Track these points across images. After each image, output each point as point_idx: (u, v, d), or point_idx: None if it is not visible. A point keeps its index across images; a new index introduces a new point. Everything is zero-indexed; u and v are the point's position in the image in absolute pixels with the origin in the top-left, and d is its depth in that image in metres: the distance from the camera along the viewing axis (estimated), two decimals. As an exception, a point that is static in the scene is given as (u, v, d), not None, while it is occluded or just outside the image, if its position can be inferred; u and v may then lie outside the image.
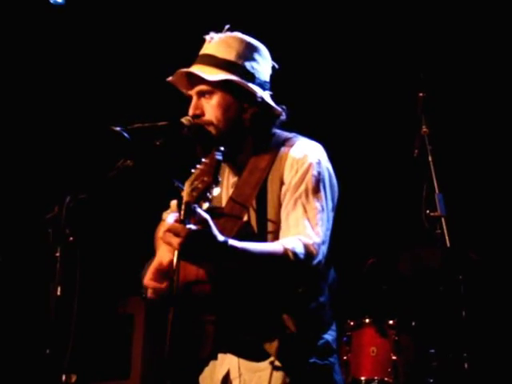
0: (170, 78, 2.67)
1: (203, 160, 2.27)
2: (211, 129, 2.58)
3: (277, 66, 2.74)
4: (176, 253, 2.28)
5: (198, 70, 2.60)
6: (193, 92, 2.64)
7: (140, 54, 5.53)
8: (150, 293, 2.57)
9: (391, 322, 4.27)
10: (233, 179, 2.69)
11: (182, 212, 2.18)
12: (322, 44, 5.38)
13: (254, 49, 2.66)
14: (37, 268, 4.12)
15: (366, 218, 5.00)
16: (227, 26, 2.69)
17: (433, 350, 4.20)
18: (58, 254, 2.28)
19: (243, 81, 2.58)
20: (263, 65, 2.67)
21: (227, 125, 2.59)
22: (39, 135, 5.52)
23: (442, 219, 3.47)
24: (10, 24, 5.27)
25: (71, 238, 2.30)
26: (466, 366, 3.37)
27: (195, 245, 2.21)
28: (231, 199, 2.60)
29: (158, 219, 3.06)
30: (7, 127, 5.42)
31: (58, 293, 2.26)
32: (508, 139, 5.12)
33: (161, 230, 2.30)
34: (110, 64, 5.54)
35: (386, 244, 4.95)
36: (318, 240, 2.42)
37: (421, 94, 3.75)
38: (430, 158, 3.61)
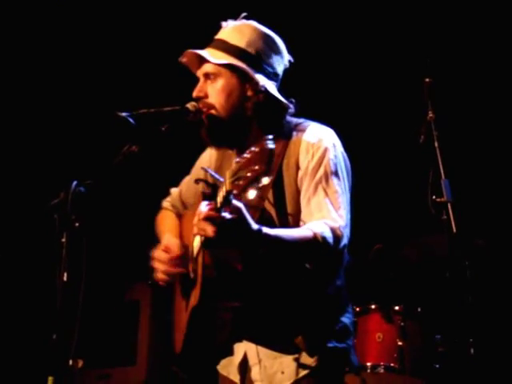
0: (181, 59, 2.67)
1: (252, 149, 2.10)
2: (213, 112, 2.58)
3: (292, 59, 2.72)
4: (198, 239, 2.33)
5: (206, 52, 2.60)
6: (200, 73, 2.64)
7: (146, 40, 5.51)
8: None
9: (397, 307, 4.26)
10: None
11: (220, 200, 2.17)
12: (328, 29, 5.36)
13: (267, 39, 2.64)
14: (43, 254, 4.12)
15: (372, 204, 4.99)
16: (243, 14, 2.68)
17: (439, 336, 4.20)
18: (64, 240, 2.29)
19: (248, 68, 2.57)
20: (274, 56, 2.64)
21: (229, 110, 2.58)
22: (45, 121, 5.52)
23: (448, 205, 3.46)
24: (11, 10, 5.25)
25: (77, 224, 2.31)
26: (471, 351, 3.37)
27: (230, 233, 2.20)
28: None
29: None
30: (13, 114, 5.42)
31: (65, 279, 2.26)
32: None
33: (194, 219, 2.23)
34: (115, 50, 5.53)
35: (392, 230, 4.94)
36: (342, 223, 2.43)
37: (427, 80, 3.73)
38: (436, 144, 3.60)
